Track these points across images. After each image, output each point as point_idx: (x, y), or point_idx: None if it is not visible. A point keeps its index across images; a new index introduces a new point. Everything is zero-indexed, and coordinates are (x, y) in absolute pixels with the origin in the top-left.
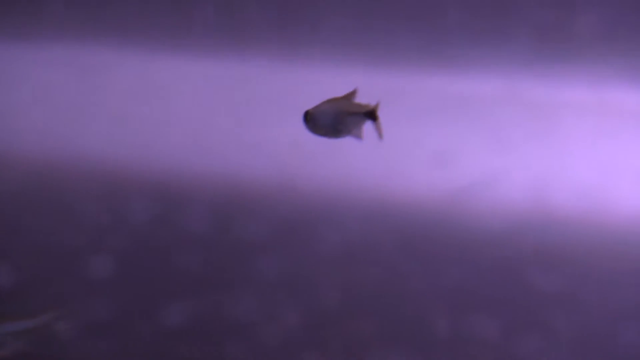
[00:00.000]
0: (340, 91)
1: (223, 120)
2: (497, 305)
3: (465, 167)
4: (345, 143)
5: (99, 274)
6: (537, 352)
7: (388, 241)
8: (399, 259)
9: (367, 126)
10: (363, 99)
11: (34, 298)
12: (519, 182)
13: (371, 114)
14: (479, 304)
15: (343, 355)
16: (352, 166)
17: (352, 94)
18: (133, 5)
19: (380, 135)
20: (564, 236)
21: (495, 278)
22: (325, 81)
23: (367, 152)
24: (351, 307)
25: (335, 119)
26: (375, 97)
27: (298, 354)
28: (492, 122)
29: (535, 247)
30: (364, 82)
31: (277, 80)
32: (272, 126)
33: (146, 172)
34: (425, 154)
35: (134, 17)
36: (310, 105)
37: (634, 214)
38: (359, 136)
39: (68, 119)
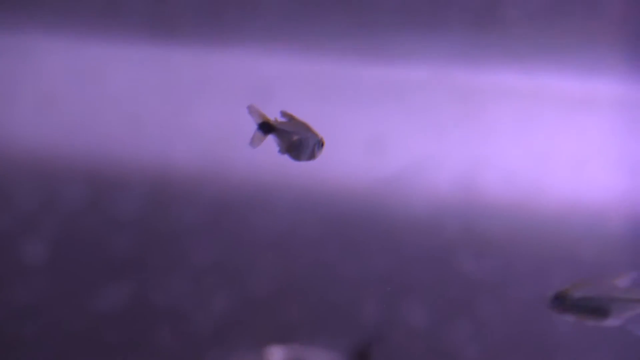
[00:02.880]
0: (272, 79)
1: (154, 105)
2: (426, 291)
3: (397, 153)
4: None
5: (30, 259)
6: (465, 339)
7: (318, 227)
8: (329, 245)
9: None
10: (294, 86)
11: None
12: (450, 168)
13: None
14: (408, 290)
15: (273, 340)
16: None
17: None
18: None
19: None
20: (494, 222)
21: (424, 264)
22: (257, 67)
23: None
24: (281, 293)
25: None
26: (308, 84)
27: (229, 339)
28: (423, 109)
29: (464, 234)
30: (295, 69)
31: (208, 66)
32: (204, 111)
33: (78, 158)
34: (357, 140)
35: (64, 1)
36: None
37: (563, 200)
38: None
39: None
